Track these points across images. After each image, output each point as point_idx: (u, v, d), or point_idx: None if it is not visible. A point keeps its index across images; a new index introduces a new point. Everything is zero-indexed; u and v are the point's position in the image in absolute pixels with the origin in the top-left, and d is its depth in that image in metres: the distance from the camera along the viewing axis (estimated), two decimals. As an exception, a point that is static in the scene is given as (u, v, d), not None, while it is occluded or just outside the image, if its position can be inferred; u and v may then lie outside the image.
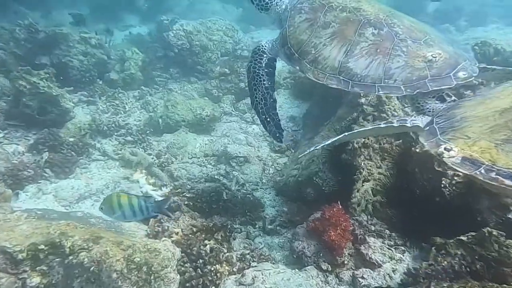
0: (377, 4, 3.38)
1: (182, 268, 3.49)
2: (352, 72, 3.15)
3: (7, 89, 6.00)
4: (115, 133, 6.30)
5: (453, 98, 3.25)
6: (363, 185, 4.11)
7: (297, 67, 3.40)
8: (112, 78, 8.14)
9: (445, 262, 2.92)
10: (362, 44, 3.15)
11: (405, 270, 3.32)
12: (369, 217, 3.97)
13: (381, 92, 3.12)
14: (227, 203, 4.60)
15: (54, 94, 5.86)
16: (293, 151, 6.44)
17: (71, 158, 5.44)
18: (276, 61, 3.61)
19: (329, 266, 3.52)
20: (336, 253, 3.46)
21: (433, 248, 3.16)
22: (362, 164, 4.18)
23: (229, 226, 4.20)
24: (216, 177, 5.44)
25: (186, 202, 4.36)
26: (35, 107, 5.85)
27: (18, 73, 5.73)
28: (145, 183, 4.26)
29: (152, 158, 5.77)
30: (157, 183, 4.43)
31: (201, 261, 3.58)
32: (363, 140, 4.30)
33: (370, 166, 4.24)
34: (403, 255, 3.47)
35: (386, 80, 3.08)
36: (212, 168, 5.81)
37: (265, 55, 3.61)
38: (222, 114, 7.43)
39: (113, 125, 6.35)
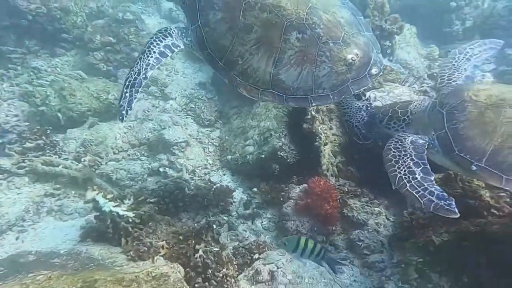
0: None
1: (196, 285, 3.24)
2: (284, 85, 3.13)
3: None
4: (0, 140, 4.87)
5: (367, 97, 3.81)
6: (324, 150, 4.42)
7: (226, 80, 3.19)
8: None
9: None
10: (289, 52, 3.09)
11: (385, 222, 3.86)
12: (335, 179, 4.37)
13: (313, 104, 3.25)
14: (194, 197, 4.32)
15: None
16: (221, 122, 6.27)
17: (-40, 190, 4.05)
18: (179, 48, 3.33)
19: (323, 237, 3.82)
20: (331, 223, 3.75)
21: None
22: (319, 129, 4.44)
23: (212, 224, 4.00)
24: (160, 170, 4.94)
25: (155, 208, 3.91)
26: None
27: None
28: (106, 201, 3.56)
29: (72, 163, 4.78)
30: (114, 196, 3.76)
31: (209, 271, 3.38)
32: (316, 106, 4.52)
33: (325, 129, 4.56)
34: (379, 208, 4.01)
35: (316, 90, 3.17)
36: (149, 160, 5.22)
37: (169, 38, 3.28)
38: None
39: (-6, 131, 4.87)
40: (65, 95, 5.47)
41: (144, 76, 3.15)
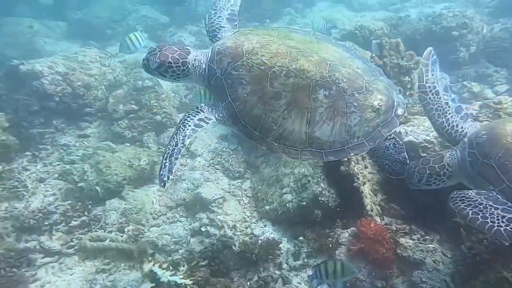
0: (311, 52, 3.35)
1: None
2: (321, 141, 3.23)
3: None
4: (45, 223, 4.98)
5: (393, 135, 3.85)
6: (364, 189, 4.46)
7: (264, 147, 3.27)
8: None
9: (484, 240, 3.46)
10: (320, 109, 3.19)
11: (443, 259, 3.79)
12: (380, 218, 4.36)
13: (352, 154, 3.33)
14: (243, 254, 4.33)
15: None
16: (249, 172, 6.37)
17: (18, 277, 4.13)
18: (210, 121, 3.39)
19: (383, 282, 3.76)
20: (389, 267, 3.71)
21: (461, 229, 3.72)
22: (355, 169, 4.50)
23: (267, 280, 3.99)
24: (202, 229, 5.00)
25: (208, 271, 3.94)
26: None
27: None
28: (163, 272, 3.61)
29: (116, 234, 4.86)
30: (169, 265, 3.79)
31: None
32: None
33: (361, 169, 4.61)
34: (433, 244, 3.96)
35: (352, 140, 3.28)
36: (188, 220, 5.29)
37: (201, 113, 3.37)
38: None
39: (40, 214, 5.01)
40: (101, 168, 5.67)
41: (182, 145, 3.19)
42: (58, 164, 6.77)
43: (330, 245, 4.17)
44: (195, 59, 3.43)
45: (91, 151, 6.84)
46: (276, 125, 3.19)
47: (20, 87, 7.53)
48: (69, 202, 5.31)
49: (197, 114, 3.34)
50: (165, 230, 4.96)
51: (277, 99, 3.18)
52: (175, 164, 3.17)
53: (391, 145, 3.84)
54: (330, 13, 15.44)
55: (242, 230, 5.01)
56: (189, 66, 3.39)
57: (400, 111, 3.41)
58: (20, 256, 4.34)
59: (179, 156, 3.22)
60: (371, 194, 4.47)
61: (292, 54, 3.36)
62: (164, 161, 3.17)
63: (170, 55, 3.34)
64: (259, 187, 5.77)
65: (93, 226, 4.92)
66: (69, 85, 7.54)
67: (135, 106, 7.49)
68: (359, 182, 4.42)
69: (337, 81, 3.27)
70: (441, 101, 3.63)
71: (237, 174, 6.26)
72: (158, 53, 3.33)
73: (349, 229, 4.15)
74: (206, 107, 3.40)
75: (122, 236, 4.84)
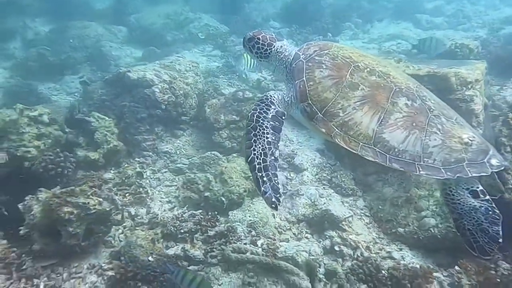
0: (403, 73, 3.37)
1: None
2: (388, 144, 3.00)
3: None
4: (181, 231, 5.05)
5: (487, 197, 3.16)
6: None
7: (322, 129, 3.12)
8: (93, 158, 6.42)
9: None
10: (396, 114, 3.02)
11: None
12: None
13: (422, 173, 2.99)
14: (397, 280, 4.22)
15: (107, 209, 4.39)
16: (360, 189, 6.25)
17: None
18: (285, 116, 3.28)
19: None
20: None
21: None
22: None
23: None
24: (336, 248, 4.93)
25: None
26: (81, 233, 4.29)
27: (58, 199, 4.07)
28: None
29: (250, 246, 4.87)
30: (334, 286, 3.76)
31: None
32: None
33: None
34: None
35: (425, 159, 2.98)
36: (315, 237, 5.23)
37: (273, 106, 3.26)
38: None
39: (177, 221, 5.10)
40: (226, 178, 5.73)
41: (273, 157, 3.05)
42: (166, 172, 6.94)
43: (499, 280, 3.98)
44: (281, 46, 3.58)
45: (198, 160, 6.96)
46: (343, 112, 3.08)
47: (125, 94, 7.81)
48: (200, 211, 5.38)
49: (269, 109, 3.22)
50: (301, 247, 4.93)
51: (353, 90, 3.10)
52: (277, 183, 3.00)
53: (482, 208, 3.14)
54: (400, 30, 15.28)
55: (377, 252, 4.91)
56: (272, 49, 3.54)
57: (494, 162, 3.00)
58: (171, 263, 4.41)
59: (277, 171, 3.05)
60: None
61: (382, 63, 3.35)
62: (258, 174, 2.96)
63: (263, 34, 3.57)
64: (380, 207, 5.67)
65: (230, 238, 4.93)
66: (173, 93, 7.76)
67: (236, 117, 7.58)
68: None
69: (423, 97, 3.14)
70: None
71: (350, 192, 6.18)
72: (257, 30, 3.59)
73: (524, 263, 3.96)
74: (275, 95, 3.35)
75: (258, 249, 4.84)
